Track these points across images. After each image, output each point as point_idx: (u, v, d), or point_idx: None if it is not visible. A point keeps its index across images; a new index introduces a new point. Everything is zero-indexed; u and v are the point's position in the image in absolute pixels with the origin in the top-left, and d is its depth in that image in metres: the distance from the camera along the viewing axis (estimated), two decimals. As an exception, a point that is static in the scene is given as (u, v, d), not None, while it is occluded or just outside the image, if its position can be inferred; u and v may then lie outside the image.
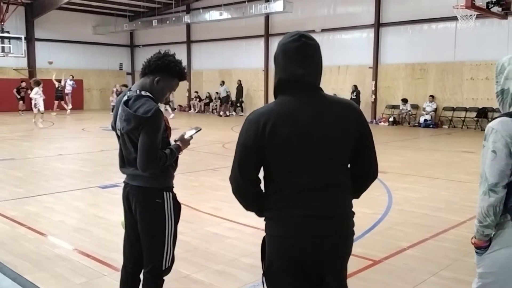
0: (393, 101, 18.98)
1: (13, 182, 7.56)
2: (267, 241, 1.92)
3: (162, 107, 20.44)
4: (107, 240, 4.64)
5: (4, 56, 22.82)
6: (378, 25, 18.90)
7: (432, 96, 17.68)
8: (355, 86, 18.77)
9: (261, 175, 1.95)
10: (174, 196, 2.70)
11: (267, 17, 22.02)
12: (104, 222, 5.31)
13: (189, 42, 26.21)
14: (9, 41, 23.10)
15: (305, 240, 1.83)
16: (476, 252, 2.18)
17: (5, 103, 22.80)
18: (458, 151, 11.41)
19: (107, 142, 11.40)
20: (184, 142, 2.76)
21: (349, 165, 1.96)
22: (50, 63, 22.40)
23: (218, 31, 24.01)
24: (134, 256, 2.74)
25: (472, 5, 12.15)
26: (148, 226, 2.63)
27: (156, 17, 24.78)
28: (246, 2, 20.54)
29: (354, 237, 1.99)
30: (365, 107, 18.63)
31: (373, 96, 19.27)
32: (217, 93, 24.53)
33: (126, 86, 18.81)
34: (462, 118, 17.02)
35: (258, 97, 23.23)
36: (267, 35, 22.63)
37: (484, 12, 12.95)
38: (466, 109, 16.98)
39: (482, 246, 2.14)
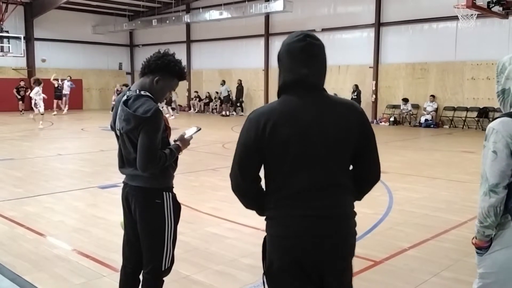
0: (393, 101, 18.97)
1: (12, 182, 7.54)
2: (267, 241, 1.92)
3: (163, 107, 20.54)
4: (107, 241, 4.63)
5: (3, 55, 22.82)
6: (378, 25, 18.89)
7: (432, 96, 17.67)
8: (356, 86, 18.77)
9: (262, 173, 1.94)
10: (174, 196, 2.68)
11: (267, 16, 22.02)
12: (104, 222, 5.30)
13: (189, 41, 26.20)
14: (8, 41, 23.10)
15: (305, 240, 1.82)
16: (477, 253, 2.18)
17: (4, 103, 22.80)
18: (459, 151, 11.40)
19: (107, 142, 11.39)
20: (184, 142, 2.75)
21: (351, 166, 1.94)
22: (43, 61, 22.40)
23: (218, 31, 24.00)
24: (133, 256, 2.73)
25: (473, 5, 12.14)
26: (147, 227, 2.62)
27: (156, 16, 24.78)
28: (246, 2, 20.53)
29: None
30: (365, 107, 18.62)
31: (374, 96, 19.26)
32: (217, 92, 24.53)
33: (126, 85, 18.78)
34: (463, 118, 17.01)
35: (258, 97, 23.22)
36: (267, 35, 22.62)
37: (485, 12, 12.94)
38: (467, 109, 16.97)
39: (483, 247, 2.13)
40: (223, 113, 22.79)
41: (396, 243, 4.59)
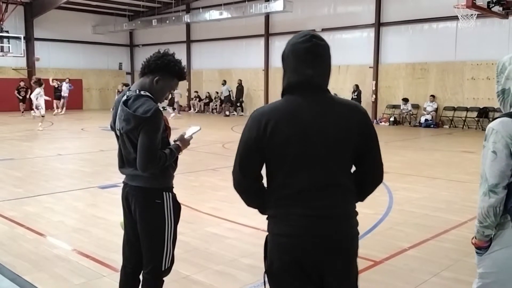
0: (393, 100, 18.97)
1: (12, 182, 7.54)
2: (268, 240, 1.92)
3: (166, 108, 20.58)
4: (107, 241, 4.63)
5: (3, 55, 22.82)
6: (378, 25, 18.89)
7: (432, 96, 17.67)
8: (357, 86, 18.76)
9: (264, 172, 1.94)
10: (174, 196, 2.68)
11: (267, 16, 22.02)
12: (104, 222, 5.30)
13: (189, 41, 26.20)
14: (8, 41, 23.10)
15: (305, 240, 1.82)
16: (477, 253, 2.18)
17: (4, 103, 22.82)
18: (459, 151, 11.40)
19: (107, 142, 11.39)
20: (184, 142, 2.75)
21: (353, 167, 1.94)
22: (37, 59, 22.39)
23: (218, 31, 24.00)
24: (133, 256, 2.73)
25: (473, 5, 12.14)
26: (147, 227, 2.62)
27: (156, 16, 24.78)
28: (246, 2, 20.53)
29: None
30: (365, 107, 18.36)
31: (374, 96, 19.26)
32: (217, 92, 24.53)
33: (127, 85, 18.77)
34: (463, 118, 17.01)
35: (258, 97, 23.22)
36: (267, 35, 22.62)
37: (485, 12, 12.94)
38: (467, 109, 16.97)
39: (483, 247, 2.13)
40: (226, 113, 22.77)
41: (396, 243, 4.59)
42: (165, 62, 2.57)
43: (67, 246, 4.54)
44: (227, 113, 22.80)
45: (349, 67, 19.42)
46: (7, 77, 23.84)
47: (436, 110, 17.58)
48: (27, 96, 20.67)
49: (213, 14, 21.41)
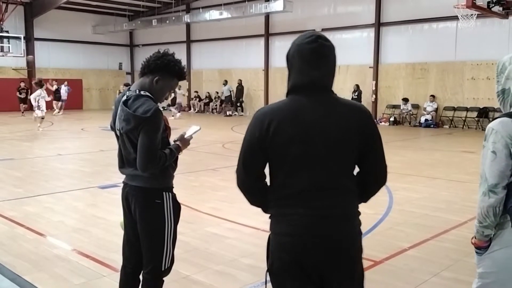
0: (393, 100, 18.97)
1: (12, 182, 7.54)
2: (270, 239, 1.93)
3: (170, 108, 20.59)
4: (107, 241, 4.63)
5: (3, 55, 22.82)
6: (378, 25, 18.89)
7: (432, 96, 17.68)
8: (357, 86, 18.74)
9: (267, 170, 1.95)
10: (174, 196, 2.68)
11: (267, 16, 22.02)
12: (104, 222, 5.30)
13: (189, 41, 26.20)
14: (8, 41, 23.10)
15: (306, 239, 1.82)
16: (476, 252, 2.18)
17: (4, 103, 22.82)
18: (459, 151, 11.41)
19: (107, 142, 11.39)
20: (184, 142, 2.75)
21: (356, 168, 1.93)
22: (31, 59, 22.47)
23: (218, 31, 24.00)
24: (133, 256, 2.73)
25: (473, 5, 12.14)
26: (147, 227, 2.62)
27: (156, 16, 24.78)
28: (246, 2, 20.53)
29: None
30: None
31: (374, 96, 19.26)
32: (217, 92, 24.54)
33: (128, 85, 18.77)
34: (463, 118, 17.01)
35: (258, 97, 23.23)
36: (267, 35, 22.62)
37: (485, 12, 12.94)
38: (467, 109, 16.97)
39: (482, 246, 2.13)
40: (229, 113, 22.76)
41: (396, 243, 4.59)
42: (165, 62, 2.57)
43: (67, 246, 4.54)
44: (230, 113, 22.78)
45: (349, 67, 19.42)
46: (7, 77, 23.85)
47: (436, 110, 17.59)
48: (28, 97, 20.68)
49: (213, 14, 21.41)
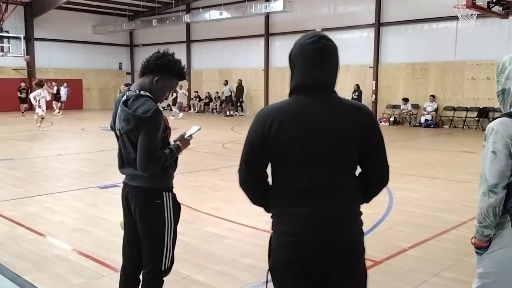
0: (393, 100, 18.97)
1: (12, 182, 7.54)
2: (272, 238, 1.93)
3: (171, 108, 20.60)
4: (107, 241, 4.63)
5: (3, 55, 22.82)
6: (378, 25, 18.89)
7: (432, 96, 17.68)
8: (357, 86, 18.74)
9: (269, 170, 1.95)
10: (174, 196, 2.68)
11: (267, 16, 22.02)
12: (104, 222, 5.30)
13: (189, 41, 26.20)
14: (8, 41, 23.11)
15: (308, 239, 1.82)
16: (476, 252, 2.18)
17: (4, 103, 22.82)
18: (459, 151, 11.41)
19: (107, 142, 11.39)
20: (184, 142, 2.75)
21: (358, 168, 1.93)
22: (27, 59, 22.52)
23: (218, 31, 24.00)
24: (133, 256, 2.73)
25: (473, 5, 12.14)
26: (147, 227, 2.62)
27: (156, 16, 24.78)
28: (246, 2, 20.53)
29: None
30: (365, 107, 18.61)
31: (374, 96, 19.26)
32: (217, 92, 24.53)
33: (129, 85, 18.76)
34: (463, 118, 17.01)
35: (258, 97, 23.22)
36: (267, 35, 22.62)
37: (484, 12, 12.94)
38: (467, 109, 16.98)
39: (482, 246, 2.13)
40: (230, 113, 22.75)
41: (396, 243, 4.59)
42: (164, 62, 2.57)
43: (67, 246, 4.54)
44: (231, 113, 22.75)
45: (349, 67, 19.42)
46: (7, 77, 23.85)
47: (436, 110, 17.59)
48: (28, 96, 20.73)
49: (213, 14, 21.41)
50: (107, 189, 6.90)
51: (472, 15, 13.31)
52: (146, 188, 2.59)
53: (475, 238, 2.16)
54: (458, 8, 12.88)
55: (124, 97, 2.56)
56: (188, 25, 25.47)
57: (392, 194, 6.52)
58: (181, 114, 19.97)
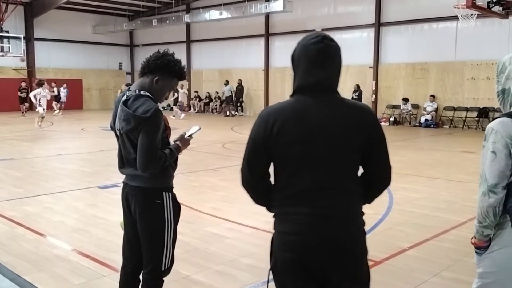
0: (393, 100, 18.98)
1: (12, 182, 7.54)
2: (274, 237, 1.93)
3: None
4: (107, 241, 4.63)
5: (3, 55, 22.82)
6: (378, 25, 18.90)
7: (432, 96, 17.68)
8: (358, 86, 18.73)
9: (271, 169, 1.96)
10: (174, 196, 2.68)
11: (267, 16, 22.02)
12: (104, 222, 5.30)
13: (189, 41, 26.20)
14: (8, 41, 23.11)
15: (310, 238, 1.83)
16: (476, 252, 2.18)
17: (4, 103, 22.82)
18: (459, 151, 11.41)
19: (107, 142, 11.39)
20: (184, 142, 2.75)
21: (360, 169, 1.93)
22: (23, 60, 22.59)
23: (218, 31, 24.00)
24: (133, 256, 2.73)
25: (473, 5, 12.14)
26: (147, 227, 2.62)
27: (156, 16, 24.78)
28: (246, 2, 20.53)
29: None
30: (365, 107, 18.61)
31: (374, 96, 19.26)
32: (217, 92, 24.53)
33: (130, 85, 18.79)
34: (463, 118, 17.01)
35: (258, 97, 23.22)
36: (267, 35, 22.62)
37: (485, 12, 12.94)
38: (467, 109, 16.98)
39: (482, 246, 2.13)
40: (232, 113, 22.74)
41: (396, 243, 4.59)
42: (164, 62, 2.57)
43: (67, 246, 4.54)
44: (232, 113, 22.73)
45: (349, 67, 19.41)
46: (7, 77, 23.85)
47: (436, 110, 17.59)
48: (28, 95, 20.84)
49: (213, 14, 21.41)
50: (107, 189, 6.90)
51: (472, 15, 13.31)
52: (146, 188, 2.59)
53: (475, 238, 2.16)
54: (458, 8, 12.88)
55: (124, 97, 2.56)
56: (188, 25, 25.47)
57: (392, 194, 6.52)
58: (183, 115, 19.94)
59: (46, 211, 5.74)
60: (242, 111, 23.06)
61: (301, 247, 1.83)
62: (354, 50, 19.20)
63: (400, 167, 8.74)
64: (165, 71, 2.58)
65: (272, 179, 1.96)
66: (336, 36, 19.76)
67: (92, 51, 27.26)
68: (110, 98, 26.29)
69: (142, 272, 2.70)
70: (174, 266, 2.75)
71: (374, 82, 19.26)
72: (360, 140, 1.86)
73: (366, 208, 1.95)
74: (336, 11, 20.15)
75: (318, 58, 1.85)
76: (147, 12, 26.33)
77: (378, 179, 1.97)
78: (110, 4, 25.40)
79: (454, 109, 17.29)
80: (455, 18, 14.24)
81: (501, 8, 12.94)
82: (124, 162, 2.64)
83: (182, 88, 21.13)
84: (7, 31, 22.94)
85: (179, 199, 2.72)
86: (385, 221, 5.35)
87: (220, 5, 21.46)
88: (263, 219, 4.84)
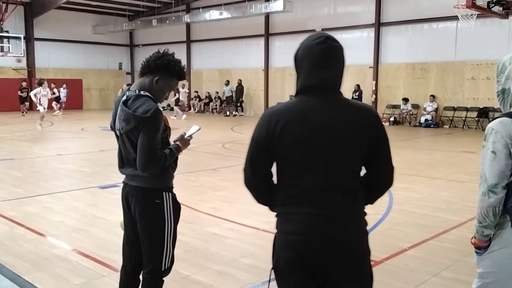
0: (393, 100, 18.97)
1: (12, 182, 7.54)
2: (276, 237, 1.94)
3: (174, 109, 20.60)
4: (107, 241, 4.63)
5: (3, 55, 22.83)
6: (378, 25, 18.90)
7: (432, 96, 17.68)
8: (358, 86, 18.73)
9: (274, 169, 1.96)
10: (174, 196, 2.68)
11: (267, 16, 22.02)
12: (104, 222, 5.30)
13: (189, 41, 26.20)
14: (8, 41, 23.12)
15: (312, 238, 1.83)
16: (476, 252, 2.18)
17: (4, 103, 22.82)
18: (459, 151, 11.41)
19: (107, 142, 11.40)
20: (184, 142, 2.75)
21: (362, 169, 1.93)
22: (19, 61, 22.66)
23: (218, 31, 24.00)
24: (133, 256, 2.73)
25: (473, 5, 12.15)
26: (147, 227, 2.62)
27: (156, 16, 24.79)
28: (246, 2, 20.53)
29: None
30: (365, 107, 18.62)
31: (374, 96, 19.26)
32: (217, 92, 24.53)
33: (131, 85, 18.81)
34: (463, 118, 17.02)
35: (258, 97, 23.22)
36: (267, 35, 22.62)
37: (484, 12, 12.94)
38: (467, 109, 16.98)
39: (482, 246, 2.13)
40: (233, 113, 22.72)
41: (396, 243, 4.59)
42: (164, 62, 2.57)
43: (67, 246, 4.54)
44: (234, 113, 22.71)
45: (349, 67, 19.25)
46: (7, 77, 23.86)
47: (436, 110, 17.59)
48: (28, 94, 20.91)
49: (213, 14, 21.41)
50: (107, 189, 6.90)
51: (472, 15, 13.32)
52: (146, 188, 2.59)
53: (475, 238, 2.16)
54: (458, 8, 12.88)
55: (124, 97, 2.56)
56: (188, 25, 25.47)
57: (392, 194, 6.51)
58: (184, 116, 19.91)
59: (46, 211, 5.74)
60: (242, 111, 23.06)
61: (303, 247, 1.83)
62: (354, 50, 19.14)
63: (400, 167, 8.68)
64: (165, 71, 2.58)
65: (274, 178, 1.96)
66: (336, 36, 19.72)
67: (92, 51, 27.26)
68: (110, 98, 26.29)
69: (142, 272, 2.70)
70: (174, 266, 2.75)
71: (374, 82, 19.26)
72: (362, 140, 1.86)
73: (366, 208, 1.96)
74: (336, 11, 20.15)
75: (321, 58, 1.85)
76: (147, 12, 26.33)
77: (381, 179, 1.97)
78: (110, 4, 25.40)
79: (454, 109, 17.30)
80: (455, 18, 14.24)
81: (501, 8, 12.94)
82: (124, 162, 2.64)
83: (183, 88, 21.12)
84: (7, 31, 22.95)
85: (179, 199, 2.72)
86: (385, 221, 5.35)
87: (220, 5, 21.46)
88: (263, 219, 4.85)
